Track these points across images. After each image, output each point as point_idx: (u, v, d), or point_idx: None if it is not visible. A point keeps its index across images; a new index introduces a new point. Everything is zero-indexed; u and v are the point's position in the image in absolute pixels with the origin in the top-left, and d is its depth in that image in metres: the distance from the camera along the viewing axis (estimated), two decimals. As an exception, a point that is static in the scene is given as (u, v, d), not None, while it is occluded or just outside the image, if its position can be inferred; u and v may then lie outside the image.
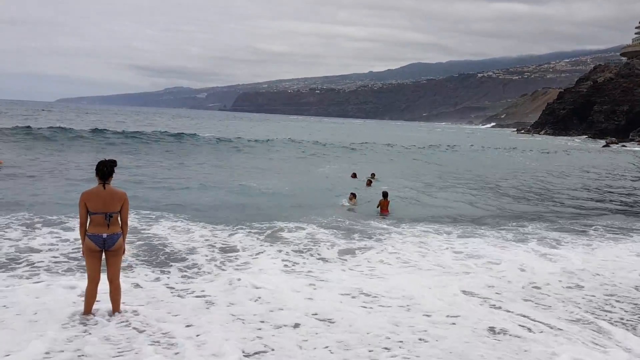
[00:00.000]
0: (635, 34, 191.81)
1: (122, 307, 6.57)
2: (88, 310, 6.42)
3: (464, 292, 7.94)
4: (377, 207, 15.52)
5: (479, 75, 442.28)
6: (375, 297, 7.54)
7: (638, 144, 74.26)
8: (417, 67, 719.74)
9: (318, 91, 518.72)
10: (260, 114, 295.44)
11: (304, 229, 12.02)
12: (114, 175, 6.37)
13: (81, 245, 6.40)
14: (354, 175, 24.93)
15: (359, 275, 8.67)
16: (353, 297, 7.47)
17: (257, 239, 10.93)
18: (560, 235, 12.84)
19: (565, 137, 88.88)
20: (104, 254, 6.36)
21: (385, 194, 15.65)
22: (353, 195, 17.00)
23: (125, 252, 6.66)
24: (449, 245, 11.12)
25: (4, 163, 23.41)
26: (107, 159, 6.43)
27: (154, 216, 12.36)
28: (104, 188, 6.23)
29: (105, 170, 6.23)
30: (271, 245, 10.39)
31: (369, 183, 22.07)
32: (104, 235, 6.23)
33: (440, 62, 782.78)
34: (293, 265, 9.10)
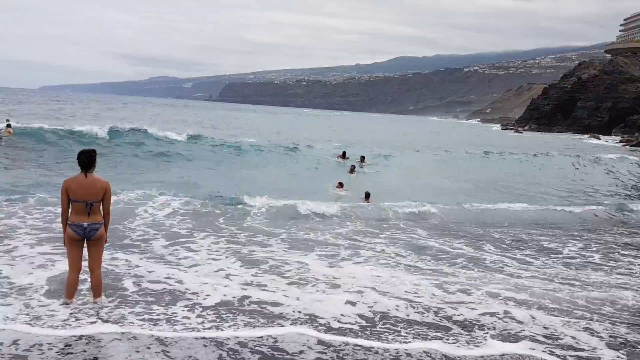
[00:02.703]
0: (620, 31, 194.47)
1: (103, 296, 6.69)
2: (69, 296, 6.56)
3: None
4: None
5: (465, 69, 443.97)
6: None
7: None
8: (404, 61, 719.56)
9: (305, 83, 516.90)
10: (247, 105, 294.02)
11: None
12: (96, 165, 6.43)
13: (62, 234, 6.50)
14: (343, 155, 25.00)
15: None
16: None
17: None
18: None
19: (550, 134, 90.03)
20: (85, 243, 6.43)
21: (367, 195, 16.12)
22: (340, 185, 17.57)
23: (107, 241, 6.73)
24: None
25: (12, 133, 22.92)
26: (87, 148, 6.51)
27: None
28: (86, 176, 6.30)
29: (85, 159, 6.28)
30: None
31: (352, 170, 21.84)
32: (85, 224, 6.26)
33: (427, 56, 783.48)
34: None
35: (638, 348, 6.42)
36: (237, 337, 5.97)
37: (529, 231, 13.48)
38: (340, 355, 5.73)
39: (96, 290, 6.62)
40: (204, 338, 5.92)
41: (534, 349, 6.16)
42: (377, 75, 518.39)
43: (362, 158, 24.38)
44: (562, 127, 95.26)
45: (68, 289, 6.53)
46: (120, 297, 6.93)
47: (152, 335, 5.86)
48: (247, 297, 7.26)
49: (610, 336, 6.71)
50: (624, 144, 64.25)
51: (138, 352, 5.46)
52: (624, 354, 6.21)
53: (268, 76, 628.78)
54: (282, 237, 10.99)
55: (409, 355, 5.83)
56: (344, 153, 25.47)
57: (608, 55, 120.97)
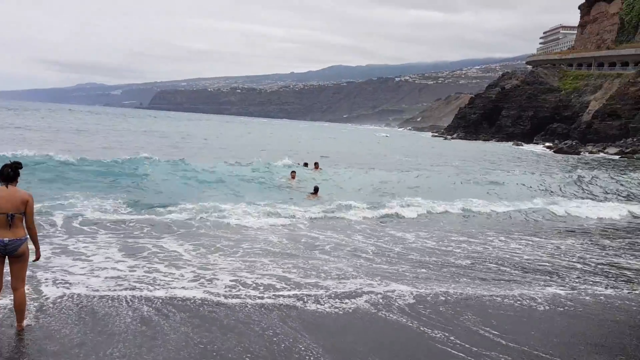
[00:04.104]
0: (540, 44, 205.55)
1: (26, 321, 6.24)
2: (20, 318, 6.16)
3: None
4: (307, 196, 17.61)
5: (397, 79, 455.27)
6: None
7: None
8: (338, 70, 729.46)
9: (239, 90, 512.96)
10: (179, 113, 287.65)
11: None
12: (19, 179, 6.15)
13: None
14: (306, 165, 25.12)
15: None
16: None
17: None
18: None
19: (477, 142, 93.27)
20: (7, 259, 6.07)
21: (316, 189, 17.62)
22: (293, 174, 19.82)
23: (40, 257, 6.34)
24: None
25: None
26: (12, 161, 6.16)
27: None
28: (7, 187, 5.99)
29: (9, 171, 6.01)
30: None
31: (316, 166, 23.77)
32: (6, 239, 5.91)
33: (360, 65, 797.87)
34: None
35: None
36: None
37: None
38: None
39: (19, 312, 6.15)
40: None
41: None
42: (311, 83, 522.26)
43: (316, 164, 24.74)
44: (488, 134, 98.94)
45: None
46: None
47: None
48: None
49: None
50: (551, 150, 71.06)
51: None
52: None
53: (201, 83, 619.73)
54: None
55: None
56: (306, 164, 25.54)
57: (529, 67, 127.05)
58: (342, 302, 7.90)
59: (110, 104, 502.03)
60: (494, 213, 18.02)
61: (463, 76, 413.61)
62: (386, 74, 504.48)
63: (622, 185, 28.49)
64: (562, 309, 8.25)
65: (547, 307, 8.28)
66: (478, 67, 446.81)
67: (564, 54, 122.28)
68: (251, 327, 6.80)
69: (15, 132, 45.07)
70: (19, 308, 6.14)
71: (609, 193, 25.85)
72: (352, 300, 8.04)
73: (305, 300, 7.93)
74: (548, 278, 10.16)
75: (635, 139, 71.02)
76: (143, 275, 8.58)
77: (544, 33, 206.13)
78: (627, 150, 65.33)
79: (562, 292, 9.15)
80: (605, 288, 9.68)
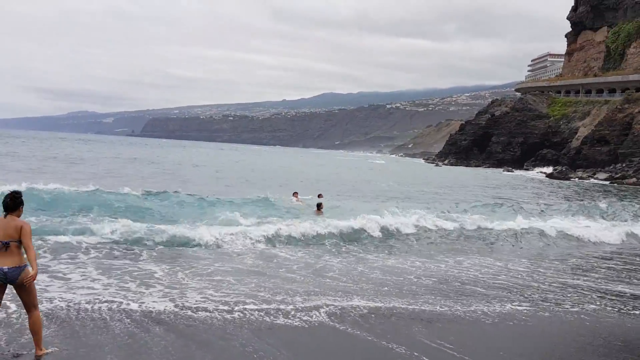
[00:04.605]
0: (528, 71, 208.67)
1: (51, 348, 6.40)
2: (37, 340, 6.28)
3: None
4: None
5: (388, 106, 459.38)
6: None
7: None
8: (329, 97, 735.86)
9: (231, 118, 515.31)
10: (171, 140, 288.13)
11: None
12: (22, 208, 6.27)
13: None
14: (295, 195, 23.99)
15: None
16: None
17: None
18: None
19: (469, 167, 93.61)
20: (8, 286, 6.22)
21: (319, 205, 18.55)
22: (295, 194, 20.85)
23: (35, 278, 6.19)
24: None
25: None
26: (12, 191, 6.33)
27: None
28: (4, 218, 6.15)
29: (9, 202, 6.16)
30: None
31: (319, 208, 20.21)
32: (5, 268, 5.98)
33: (351, 93, 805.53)
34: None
35: None
36: None
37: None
38: None
39: (36, 334, 6.24)
40: None
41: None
42: (303, 110, 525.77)
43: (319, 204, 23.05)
44: (479, 160, 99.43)
45: None
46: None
47: None
48: None
49: None
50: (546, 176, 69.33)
51: None
52: None
53: (193, 111, 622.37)
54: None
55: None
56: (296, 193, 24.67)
57: (518, 94, 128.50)
58: (308, 316, 8.49)
59: (102, 132, 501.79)
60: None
61: (453, 103, 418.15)
62: (377, 101, 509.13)
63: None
64: (511, 324, 8.79)
65: (497, 321, 8.84)
66: (468, 94, 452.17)
67: (552, 81, 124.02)
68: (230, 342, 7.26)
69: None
70: (33, 329, 6.24)
71: None
72: (315, 313, 8.62)
73: (275, 314, 8.48)
74: (505, 295, 10.61)
75: (624, 165, 71.51)
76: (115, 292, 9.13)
77: (532, 61, 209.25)
78: (617, 175, 65.72)
79: (519, 308, 9.70)
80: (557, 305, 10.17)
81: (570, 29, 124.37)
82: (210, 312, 8.31)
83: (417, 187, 41.75)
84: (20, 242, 6.06)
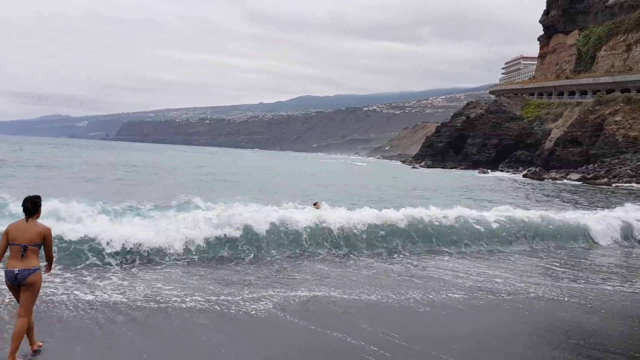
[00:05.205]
0: (502, 74, 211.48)
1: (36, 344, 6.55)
2: (31, 341, 6.46)
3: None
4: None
5: (365, 109, 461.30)
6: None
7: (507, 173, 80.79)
8: (307, 100, 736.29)
9: (208, 121, 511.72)
10: (147, 144, 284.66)
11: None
12: (40, 211, 6.47)
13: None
14: (316, 205, 24.03)
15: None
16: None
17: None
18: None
19: (446, 169, 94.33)
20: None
21: (315, 203, 18.48)
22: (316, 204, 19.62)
23: (49, 270, 6.68)
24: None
25: None
26: (32, 195, 6.49)
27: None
28: (27, 221, 6.31)
29: (29, 205, 6.34)
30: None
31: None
32: (15, 270, 6.14)
33: (328, 96, 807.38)
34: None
35: None
36: None
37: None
38: None
39: (15, 340, 6.19)
40: None
41: None
42: (280, 113, 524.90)
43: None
44: (455, 162, 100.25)
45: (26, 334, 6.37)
46: None
47: None
48: None
49: None
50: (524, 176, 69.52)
51: None
52: None
53: (169, 114, 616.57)
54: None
55: None
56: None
57: (492, 96, 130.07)
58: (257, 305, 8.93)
59: (76, 136, 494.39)
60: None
61: (429, 105, 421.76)
62: (354, 104, 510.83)
63: None
64: (445, 313, 9.24)
65: (428, 309, 9.31)
66: (443, 97, 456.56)
67: (525, 83, 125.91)
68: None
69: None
70: (18, 334, 6.17)
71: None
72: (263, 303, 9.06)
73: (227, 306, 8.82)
74: (442, 284, 11.15)
75: (596, 165, 72.84)
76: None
77: (505, 64, 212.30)
78: (589, 176, 66.88)
79: (455, 296, 10.22)
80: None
81: (543, 33, 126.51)
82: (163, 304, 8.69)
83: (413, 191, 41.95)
84: (39, 246, 6.29)
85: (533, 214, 18.86)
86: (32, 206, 6.36)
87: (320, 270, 11.93)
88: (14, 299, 6.59)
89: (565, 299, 10.58)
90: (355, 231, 14.82)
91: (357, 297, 9.75)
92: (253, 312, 8.58)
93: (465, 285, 11.29)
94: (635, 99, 79.80)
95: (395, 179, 59.22)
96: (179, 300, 8.92)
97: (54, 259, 6.67)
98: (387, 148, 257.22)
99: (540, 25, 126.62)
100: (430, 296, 10.17)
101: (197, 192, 20.69)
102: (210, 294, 9.32)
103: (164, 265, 11.42)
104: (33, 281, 6.20)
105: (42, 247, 6.38)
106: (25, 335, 6.34)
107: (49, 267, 6.60)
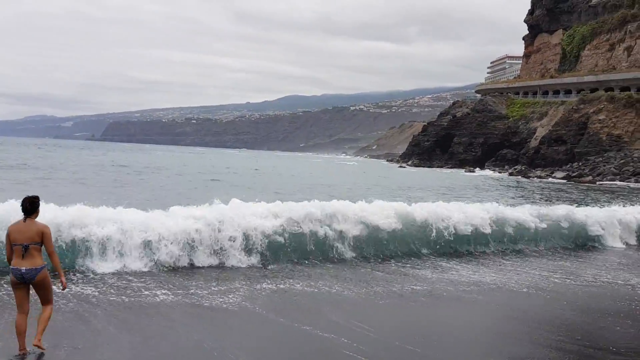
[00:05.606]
0: (487, 73, 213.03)
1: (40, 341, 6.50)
2: (22, 346, 6.45)
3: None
4: None
5: (352, 108, 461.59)
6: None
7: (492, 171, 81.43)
8: (294, 99, 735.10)
9: (194, 121, 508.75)
10: (133, 144, 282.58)
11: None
12: (38, 211, 6.62)
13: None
14: None
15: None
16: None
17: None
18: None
19: (432, 168, 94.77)
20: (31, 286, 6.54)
21: None
22: None
23: (66, 285, 6.77)
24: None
25: None
26: (30, 195, 6.64)
27: None
28: (24, 221, 6.48)
29: (27, 206, 6.50)
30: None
31: None
32: (23, 269, 6.33)
33: (315, 95, 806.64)
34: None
35: None
36: None
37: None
38: None
39: (41, 324, 6.51)
40: None
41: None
42: (267, 113, 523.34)
43: None
44: (442, 161, 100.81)
45: (18, 336, 6.50)
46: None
47: None
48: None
49: None
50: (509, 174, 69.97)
51: None
52: None
53: (155, 114, 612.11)
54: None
55: None
56: None
57: (478, 95, 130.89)
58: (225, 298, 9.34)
59: (61, 137, 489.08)
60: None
61: (416, 105, 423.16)
62: (341, 103, 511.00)
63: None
64: (413, 303, 9.67)
65: (388, 301, 9.71)
66: (430, 96, 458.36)
67: (511, 82, 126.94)
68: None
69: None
70: (41, 319, 6.56)
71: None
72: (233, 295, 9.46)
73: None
74: (402, 278, 11.54)
75: (580, 163, 73.71)
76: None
77: (491, 63, 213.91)
78: (574, 174, 67.68)
79: (417, 288, 10.66)
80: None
81: (528, 32, 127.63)
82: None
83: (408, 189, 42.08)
84: (40, 244, 6.46)
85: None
86: (30, 206, 6.52)
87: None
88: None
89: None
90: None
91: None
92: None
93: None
94: (618, 97, 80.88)
95: (386, 178, 59.28)
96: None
97: (60, 266, 6.74)
98: (374, 147, 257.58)
99: (525, 25, 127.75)
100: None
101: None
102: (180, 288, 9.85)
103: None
104: (42, 278, 6.48)
105: (43, 245, 6.54)
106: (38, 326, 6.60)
107: (61, 279, 6.63)
